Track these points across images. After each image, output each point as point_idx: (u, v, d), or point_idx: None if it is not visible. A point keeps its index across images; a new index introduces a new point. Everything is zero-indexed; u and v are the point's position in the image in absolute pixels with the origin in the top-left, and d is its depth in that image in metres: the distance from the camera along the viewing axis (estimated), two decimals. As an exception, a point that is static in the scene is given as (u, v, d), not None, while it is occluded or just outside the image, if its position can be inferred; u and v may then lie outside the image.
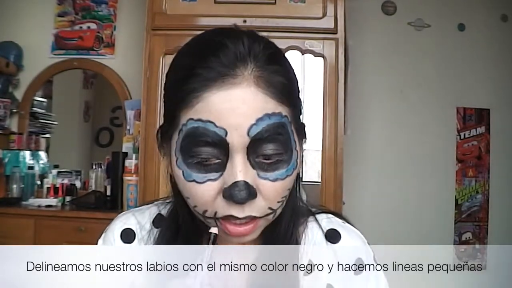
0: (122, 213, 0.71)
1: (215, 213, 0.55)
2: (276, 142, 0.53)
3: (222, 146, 0.52)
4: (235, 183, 0.52)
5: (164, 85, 0.59)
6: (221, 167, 0.53)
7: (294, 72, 0.60)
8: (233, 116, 0.51)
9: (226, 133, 0.52)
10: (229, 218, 0.54)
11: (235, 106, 0.52)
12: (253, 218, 0.55)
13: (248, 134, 0.52)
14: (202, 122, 0.52)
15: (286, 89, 0.55)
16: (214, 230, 0.56)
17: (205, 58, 0.53)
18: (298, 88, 0.61)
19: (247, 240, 0.57)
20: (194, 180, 0.54)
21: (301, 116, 0.62)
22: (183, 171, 0.55)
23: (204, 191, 0.54)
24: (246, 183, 0.52)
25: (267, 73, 0.53)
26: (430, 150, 2.81)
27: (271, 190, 0.54)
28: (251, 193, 0.53)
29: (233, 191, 0.52)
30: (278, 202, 0.56)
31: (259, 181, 0.54)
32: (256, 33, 0.58)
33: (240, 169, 0.52)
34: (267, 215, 0.56)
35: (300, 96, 0.62)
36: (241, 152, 0.53)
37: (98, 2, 2.83)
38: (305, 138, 0.63)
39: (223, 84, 0.52)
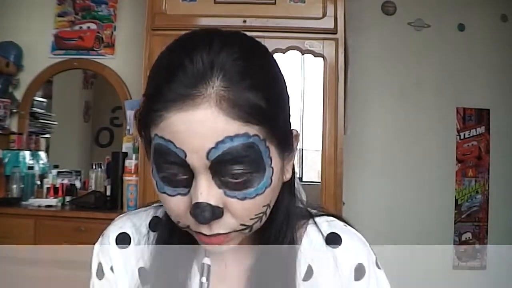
0: (119, 216, 0.70)
1: (188, 226, 0.55)
2: (242, 163, 0.51)
3: (184, 166, 0.51)
4: (197, 204, 0.51)
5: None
6: (189, 183, 0.52)
7: (275, 81, 0.56)
8: (192, 139, 0.49)
9: (186, 155, 0.50)
10: (200, 233, 0.54)
11: (193, 128, 0.49)
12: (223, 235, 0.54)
13: (207, 158, 0.50)
14: (164, 141, 0.51)
15: (256, 108, 0.51)
16: (206, 261, 0.56)
17: (166, 78, 0.51)
18: (280, 97, 0.57)
19: (223, 250, 0.57)
20: (165, 192, 0.54)
21: (287, 123, 0.59)
22: (156, 182, 0.55)
23: (175, 204, 0.54)
24: (208, 204, 0.51)
25: (233, 91, 0.50)
26: (430, 150, 2.82)
27: (240, 208, 0.52)
28: (215, 213, 0.51)
29: (195, 212, 0.51)
30: (252, 219, 0.54)
31: (226, 199, 0.52)
32: (228, 40, 0.53)
33: (201, 191, 0.51)
34: (240, 230, 0.54)
35: (286, 102, 0.58)
36: (203, 173, 0.51)
37: (98, 2, 2.83)
38: (293, 146, 0.60)
39: (183, 105, 0.49)
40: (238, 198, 0.52)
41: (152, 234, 0.66)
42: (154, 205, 0.70)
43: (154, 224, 0.67)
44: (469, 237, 2.83)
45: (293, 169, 0.63)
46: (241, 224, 0.54)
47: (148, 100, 0.53)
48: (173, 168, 0.52)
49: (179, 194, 0.53)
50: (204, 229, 0.53)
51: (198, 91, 0.49)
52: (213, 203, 0.51)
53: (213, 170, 0.51)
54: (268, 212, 0.56)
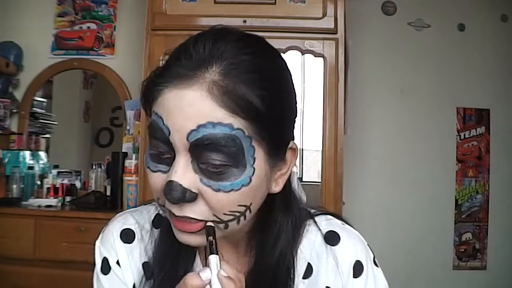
0: (119, 213, 0.71)
1: (164, 204, 0.56)
2: (220, 153, 0.51)
3: (168, 144, 0.53)
4: (169, 182, 0.52)
5: None
6: (170, 163, 0.54)
7: (281, 87, 0.57)
8: (178, 117, 0.51)
9: (169, 132, 0.52)
10: (172, 214, 0.55)
11: (181, 107, 0.51)
12: (194, 221, 0.54)
13: (187, 139, 0.51)
14: (157, 116, 0.53)
15: (246, 101, 0.51)
16: (210, 223, 0.55)
17: (174, 58, 0.55)
18: (284, 104, 0.57)
19: (194, 243, 0.56)
20: (149, 167, 0.56)
21: (287, 135, 0.58)
22: (145, 157, 0.57)
23: (154, 180, 0.55)
24: (180, 185, 0.51)
25: (227, 81, 0.51)
26: (430, 150, 2.82)
27: (213, 199, 0.53)
28: (184, 195, 0.52)
29: (166, 189, 0.52)
30: (226, 214, 0.54)
31: (201, 186, 0.52)
32: (232, 36, 0.55)
33: (176, 170, 0.52)
34: (214, 222, 0.54)
35: (291, 114, 0.58)
36: (183, 154, 0.52)
37: (98, 2, 2.83)
38: (286, 159, 0.58)
39: (178, 83, 0.52)
40: (212, 188, 0.52)
41: (155, 231, 0.67)
42: (154, 203, 0.70)
43: (157, 221, 0.68)
44: (469, 237, 2.83)
45: (289, 183, 0.62)
46: (214, 215, 0.54)
47: (154, 75, 0.56)
48: (159, 145, 0.54)
49: (160, 171, 0.55)
50: (175, 209, 0.54)
51: (196, 74, 0.52)
52: (185, 185, 0.52)
53: (193, 154, 0.52)
54: (247, 215, 0.55)
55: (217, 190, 0.52)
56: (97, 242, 0.68)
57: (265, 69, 0.55)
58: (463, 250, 2.82)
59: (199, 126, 0.50)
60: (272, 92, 0.54)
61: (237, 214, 0.54)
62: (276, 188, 0.59)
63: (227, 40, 0.54)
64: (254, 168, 0.53)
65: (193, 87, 0.51)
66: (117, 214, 0.71)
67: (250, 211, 0.56)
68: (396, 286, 0.72)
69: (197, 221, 0.54)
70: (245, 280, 0.61)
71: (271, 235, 0.62)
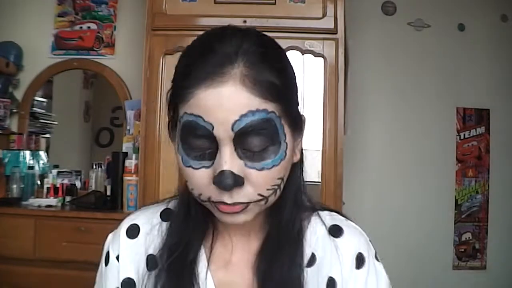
0: (136, 210, 0.76)
1: (209, 198, 0.60)
2: (260, 136, 0.57)
3: (210, 139, 0.57)
4: (221, 172, 0.57)
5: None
6: (213, 156, 0.58)
7: (289, 68, 0.64)
8: (219, 112, 0.56)
9: (213, 127, 0.56)
10: (221, 202, 0.59)
11: (221, 102, 0.56)
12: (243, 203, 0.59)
13: (232, 129, 0.56)
14: (194, 116, 0.57)
15: (274, 87, 0.58)
16: None
17: (197, 58, 0.59)
18: (293, 83, 0.64)
19: (240, 221, 0.61)
20: (190, 166, 0.59)
21: (297, 108, 0.65)
22: (182, 157, 0.60)
23: (199, 177, 0.59)
24: (231, 172, 0.56)
25: (254, 72, 0.57)
26: (430, 150, 2.82)
27: (258, 178, 0.58)
28: (236, 181, 0.57)
29: (219, 179, 0.57)
30: (268, 189, 0.60)
31: (246, 170, 0.58)
32: (249, 32, 0.62)
33: (225, 159, 0.57)
34: (257, 201, 0.60)
35: (296, 90, 0.65)
36: (228, 144, 0.57)
37: (98, 2, 2.83)
38: (302, 129, 0.66)
39: (212, 82, 0.56)
40: (256, 169, 0.58)
41: (164, 224, 0.71)
42: (167, 200, 0.75)
43: (165, 215, 0.72)
44: (469, 237, 2.83)
45: (302, 153, 0.69)
46: (259, 194, 0.59)
47: (179, 79, 0.61)
48: (199, 142, 0.58)
49: (203, 167, 0.59)
50: (226, 198, 0.58)
51: (225, 70, 0.56)
52: (235, 171, 0.57)
53: (236, 142, 0.57)
54: (282, 186, 0.62)
55: (261, 169, 0.58)
56: (109, 235, 0.73)
57: (275, 55, 0.62)
58: (463, 250, 2.82)
59: (241, 116, 0.56)
60: (285, 73, 0.62)
61: (276, 187, 0.61)
62: (296, 157, 0.66)
63: (242, 37, 0.60)
64: (286, 143, 0.60)
65: (226, 83, 0.56)
66: (135, 210, 0.76)
67: (283, 182, 0.62)
68: (396, 286, 0.73)
69: (240, 203, 0.59)
70: (255, 260, 0.66)
71: (281, 215, 0.66)
